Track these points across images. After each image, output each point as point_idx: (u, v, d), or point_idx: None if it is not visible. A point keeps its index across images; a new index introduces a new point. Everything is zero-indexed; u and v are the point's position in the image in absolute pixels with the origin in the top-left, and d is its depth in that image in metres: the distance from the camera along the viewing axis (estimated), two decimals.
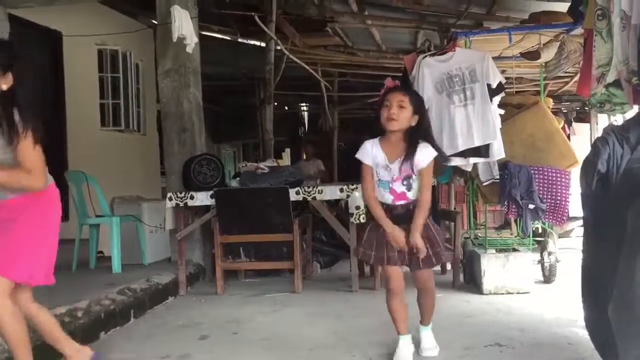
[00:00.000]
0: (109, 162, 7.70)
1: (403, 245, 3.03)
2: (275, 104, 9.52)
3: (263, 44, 8.21)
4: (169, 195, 5.34)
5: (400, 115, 2.98)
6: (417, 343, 3.28)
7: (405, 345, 3.18)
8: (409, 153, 3.00)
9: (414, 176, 3.04)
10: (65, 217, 6.80)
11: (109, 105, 8.39)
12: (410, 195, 3.06)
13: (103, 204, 5.56)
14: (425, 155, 3.02)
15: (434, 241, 3.09)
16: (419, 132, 3.05)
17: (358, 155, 3.13)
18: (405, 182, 3.04)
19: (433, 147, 3.06)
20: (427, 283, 3.18)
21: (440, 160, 3.22)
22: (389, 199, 3.07)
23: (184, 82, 5.88)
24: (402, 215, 3.07)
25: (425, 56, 4.79)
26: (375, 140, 3.10)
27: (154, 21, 7.65)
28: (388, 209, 3.08)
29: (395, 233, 3.03)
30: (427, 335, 3.30)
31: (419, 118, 3.05)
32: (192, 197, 5.27)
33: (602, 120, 9.23)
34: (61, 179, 5.83)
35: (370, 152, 3.09)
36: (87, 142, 7.52)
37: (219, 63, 9.29)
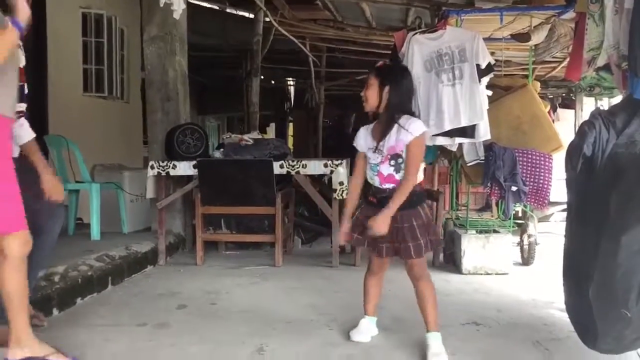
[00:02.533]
0: (91, 129, 7.57)
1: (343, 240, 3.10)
2: (262, 77, 9.41)
3: (252, 15, 8.09)
4: (151, 163, 5.27)
5: (367, 95, 2.93)
6: (423, 351, 2.94)
7: (366, 324, 3.19)
8: (390, 127, 2.87)
9: (403, 154, 2.88)
10: None
11: (92, 71, 8.22)
12: (399, 176, 2.90)
13: (83, 170, 5.48)
14: (411, 127, 2.84)
15: (417, 232, 2.88)
16: (397, 104, 2.89)
17: (355, 144, 3.08)
18: (393, 163, 2.89)
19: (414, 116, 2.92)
20: (417, 270, 2.94)
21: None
22: (377, 182, 2.96)
23: (169, 50, 5.78)
24: (388, 200, 2.88)
25: (416, 33, 4.74)
26: (368, 126, 3.05)
27: None
28: (376, 192, 2.97)
29: (343, 230, 3.06)
30: (434, 339, 2.92)
31: (389, 88, 2.87)
32: (174, 167, 5.21)
33: (587, 107, 9.29)
34: (41, 143, 5.74)
35: (363, 138, 3.04)
36: (69, 107, 7.37)
37: (206, 33, 9.14)
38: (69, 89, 7.60)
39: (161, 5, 5.23)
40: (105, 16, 8.27)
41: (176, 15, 5.42)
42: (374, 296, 3.20)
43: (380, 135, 2.92)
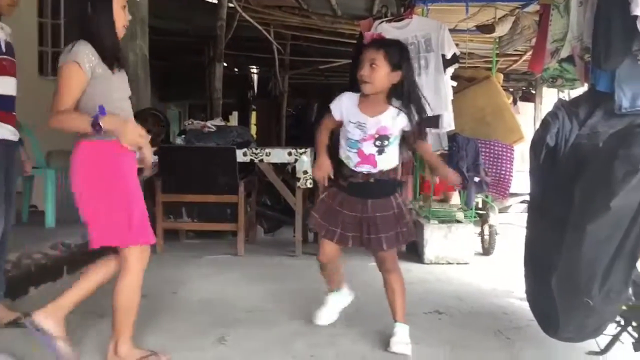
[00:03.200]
0: (47, 113, 7.33)
1: (320, 178, 2.76)
2: (226, 64, 9.27)
3: (215, 1, 7.93)
4: None
5: (372, 76, 2.66)
6: (386, 339, 2.89)
7: (332, 299, 3.10)
8: (399, 112, 2.69)
9: (391, 138, 2.72)
10: None
11: (49, 54, 7.95)
12: (380, 161, 2.72)
13: (38, 156, 5.28)
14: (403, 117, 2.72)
15: (390, 223, 2.78)
16: (403, 90, 2.70)
17: (331, 105, 2.81)
18: (377, 143, 2.70)
19: (420, 109, 2.74)
20: (389, 263, 2.88)
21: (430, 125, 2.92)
22: (353, 161, 2.75)
23: (129, 33, 5.58)
24: (360, 186, 2.76)
25: (382, 22, 4.73)
26: (355, 95, 2.78)
27: None
28: (348, 175, 2.78)
29: (323, 166, 2.75)
30: (401, 329, 2.86)
31: (402, 73, 2.69)
32: None
33: (548, 100, 9.47)
34: None
35: (344, 106, 2.77)
36: (23, 90, 7.07)
37: (169, 17, 8.93)
38: (23, 72, 7.28)
39: None
40: None
41: None
42: (334, 278, 3.08)
43: (379, 114, 2.71)
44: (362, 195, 2.78)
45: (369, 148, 2.74)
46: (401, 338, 2.83)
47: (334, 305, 3.15)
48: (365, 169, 2.77)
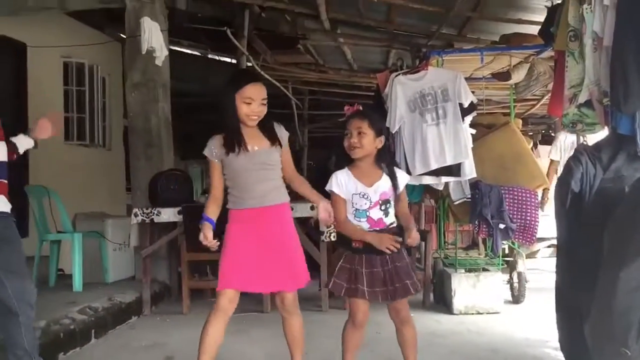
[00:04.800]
0: (73, 177, 7.48)
1: (391, 244, 2.85)
2: None
3: (234, 60, 8.15)
4: (134, 211, 5.19)
5: (362, 142, 2.89)
6: None
7: None
8: (390, 176, 2.95)
9: (391, 200, 2.94)
10: (24, 233, 6.58)
11: (74, 119, 8.19)
12: (387, 220, 2.94)
13: (65, 220, 5.37)
14: (403, 177, 3.04)
15: (409, 269, 2.95)
16: (388, 153, 3.03)
17: (328, 187, 2.99)
18: (382, 208, 2.92)
19: (396, 166, 3.08)
20: (405, 312, 2.98)
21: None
22: (365, 227, 2.93)
23: (152, 96, 5.77)
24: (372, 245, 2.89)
25: (398, 74, 4.80)
26: (345, 171, 2.98)
27: (122, 35, 7.54)
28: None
29: (383, 236, 2.86)
30: None
31: (383, 137, 2.98)
32: (158, 213, 5.13)
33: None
34: (22, 194, 5.65)
35: (343, 183, 2.95)
36: (50, 156, 7.29)
37: (188, 79, 9.18)
38: (49, 138, 7.52)
39: (143, 52, 5.25)
40: (87, 65, 8.29)
41: (159, 62, 5.44)
42: (354, 348, 3.07)
43: (377, 182, 2.93)
44: (379, 251, 2.88)
45: (376, 213, 2.93)
46: None
47: None
48: (377, 229, 2.93)
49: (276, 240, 2.97)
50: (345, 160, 2.98)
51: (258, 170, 2.94)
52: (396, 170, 3.01)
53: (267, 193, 2.96)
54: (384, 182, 2.94)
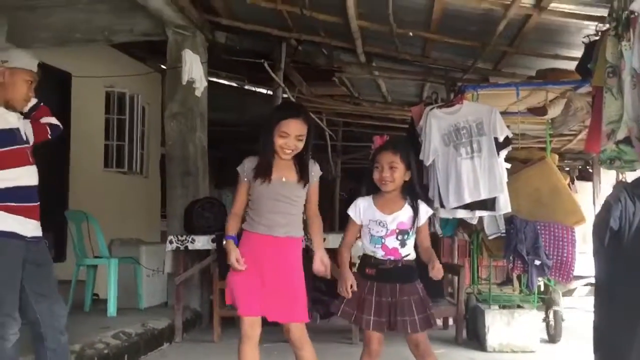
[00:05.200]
0: (110, 203, 7.65)
1: (346, 294, 2.92)
2: None
3: (270, 92, 8.28)
4: (169, 238, 5.27)
5: (394, 176, 2.93)
6: None
7: None
8: (412, 208, 2.96)
9: (410, 232, 2.94)
10: (62, 257, 6.72)
11: (114, 147, 8.40)
12: (403, 251, 2.94)
13: (102, 245, 5.48)
14: (425, 210, 3.01)
15: (424, 303, 2.94)
16: (414, 185, 3.02)
17: (349, 211, 3.06)
18: (399, 237, 2.93)
19: (422, 199, 3.06)
20: (423, 346, 2.95)
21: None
22: (379, 254, 2.95)
23: (190, 126, 5.90)
24: (389, 271, 2.92)
25: (433, 107, 4.81)
26: (368, 198, 3.03)
27: (162, 66, 7.75)
28: (375, 263, 2.96)
29: (347, 280, 2.93)
30: None
31: (411, 173, 3.00)
32: (192, 241, 5.20)
33: (606, 179, 9.23)
34: (62, 218, 5.79)
35: (361, 210, 3.01)
36: (89, 182, 7.48)
37: (225, 109, 9.35)
38: (90, 164, 7.74)
39: (184, 83, 5.38)
40: (128, 94, 8.53)
41: (198, 93, 5.57)
42: None
43: (397, 212, 2.95)
44: (390, 280, 2.92)
45: (391, 242, 2.93)
46: None
47: None
48: (391, 258, 2.93)
49: (279, 271, 2.96)
50: (374, 191, 3.02)
51: (279, 202, 2.97)
52: (420, 202, 3.00)
53: (282, 225, 2.98)
54: (404, 213, 2.95)
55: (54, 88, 7.27)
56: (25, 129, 3.13)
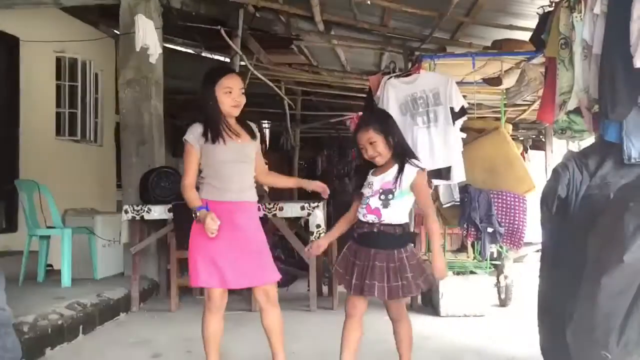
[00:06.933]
0: (63, 173, 7.46)
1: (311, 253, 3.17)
2: None
3: (227, 59, 8.15)
4: (125, 207, 5.19)
5: (377, 150, 2.92)
6: None
7: None
8: (397, 169, 2.92)
9: (395, 192, 2.88)
10: (14, 227, 6.56)
11: (66, 115, 8.16)
12: (385, 213, 2.88)
13: (55, 215, 5.37)
14: (409, 171, 2.91)
15: (401, 271, 2.86)
16: (401, 146, 2.98)
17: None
18: (382, 197, 2.89)
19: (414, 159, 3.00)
20: (395, 310, 3.00)
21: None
22: (362, 213, 2.95)
23: (145, 93, 5.78)
24: (367, 235, 2.91)
25: (391, 77, 4.82)
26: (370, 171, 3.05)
27: (116, 31, 7.53)
28: (358, 226, 2.96)
29: (313, 247, 3.18)
30: None
31: (392, 137, 2.95)
32: (149, 211, 5.14)
33: (558, 149, 9.50)
34: (12, 188, 5.63)
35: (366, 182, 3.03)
36: (41, 151, 7.27)
37: (180, 76, 9.17)
38: (41, 132, 7.52)
39: (137, 49, 5.24)
40: (80, 60, 8.26)
41: (152, 60, 5.43)
42: (352, 345, 3.02)
43: (384, 173, 2.95)
44: (367, 244, 2.93)
45: (374, 202, 2.93)
46: None
47: None
48: (370, 218, 2.92)
49: (253, 236, 3.02)
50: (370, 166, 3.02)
51: (240, 163, 3.01)
52: (406, 165, 2.92)
53: (245, 189, 3.03)
54: (391, 173, 2.93)
55: (1, 53, 7.00)
56: None
